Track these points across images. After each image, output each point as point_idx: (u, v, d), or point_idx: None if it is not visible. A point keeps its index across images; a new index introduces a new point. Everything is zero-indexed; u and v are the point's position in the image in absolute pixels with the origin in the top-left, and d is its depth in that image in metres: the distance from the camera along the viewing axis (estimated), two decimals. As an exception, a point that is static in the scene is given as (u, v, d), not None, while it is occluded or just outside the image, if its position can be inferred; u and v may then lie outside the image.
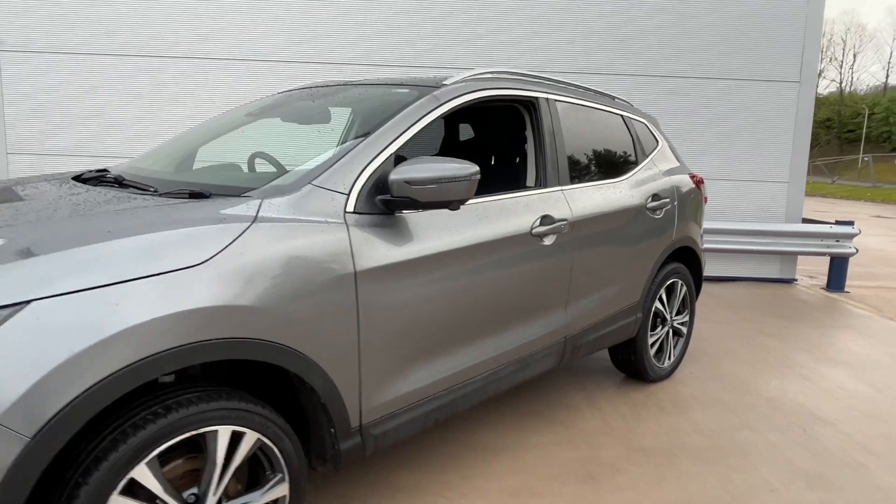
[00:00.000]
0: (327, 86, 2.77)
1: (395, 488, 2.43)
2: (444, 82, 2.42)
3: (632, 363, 3.49)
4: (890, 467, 2.74)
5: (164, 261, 1.50)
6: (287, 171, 2.28)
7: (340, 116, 2.53)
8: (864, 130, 44.19)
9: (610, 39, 6.52)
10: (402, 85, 2.49)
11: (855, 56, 59.09)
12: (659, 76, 6.55)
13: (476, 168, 2.00)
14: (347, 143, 2.09)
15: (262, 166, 2.74)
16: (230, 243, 1.62)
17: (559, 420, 3.11)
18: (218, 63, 6.48)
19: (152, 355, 1.45)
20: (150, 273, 1.47)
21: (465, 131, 3.61)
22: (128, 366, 1.41)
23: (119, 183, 2.21)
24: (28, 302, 1.32)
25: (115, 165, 2.82)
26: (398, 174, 1.94)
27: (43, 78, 6.45)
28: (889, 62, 56.50)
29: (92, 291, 1.39)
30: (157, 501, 1.52)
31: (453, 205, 2.01)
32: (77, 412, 1.35)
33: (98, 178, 2.35)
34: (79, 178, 2.39)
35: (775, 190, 6.75)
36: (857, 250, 6.56)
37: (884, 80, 53.95)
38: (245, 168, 2.65)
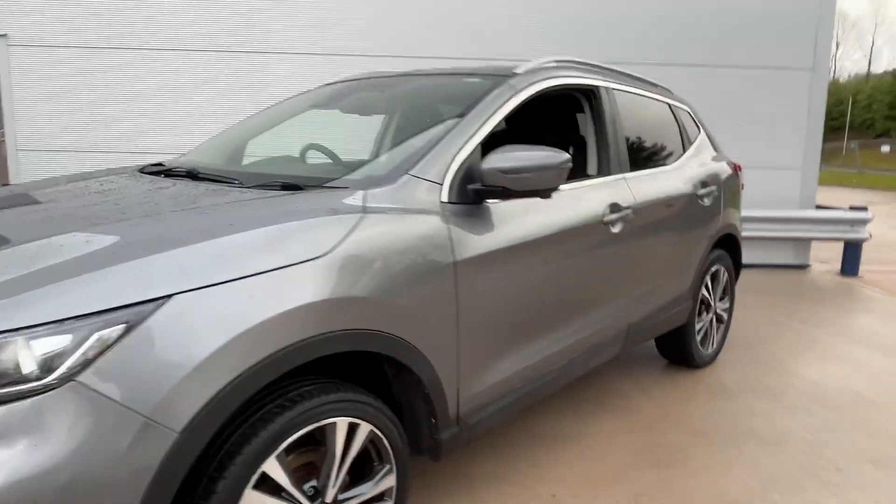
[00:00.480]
0: (388, 76, 2.75)
1: (472, 477, 2.44)
2: (514, 71, 2.41)
3: (679, 349, 3.52)
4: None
5: (290, 253, 1.49)
6: (342, 163, 2.27)
7: (410, 107, 2.50)
8: (848, 118, 44.74)
9: (624, 29, 6.53)
10: (472, 74, 2.48)
11: (838, 45, 59.70)
12: (674, 65, 6.57)
13: (568, 156, 2.00)
14: (435, 134, 2.07)
15: (317, 158, 2.72)
16: (347, 235, 1.61)
17: (615, 407, 3.13)
18: (237, 55, 6.41)
19: (286, 347, 1.44)
20: (279, 265, 1.46)
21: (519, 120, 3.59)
22: (266, 358, 1.40)
23: (194, 176, 2.18)
24: (171, 296, 1.30)
25: (168, 160, 2.78)
26: (490, 163, 1.93)
27: (54, 73, 6.34)
28: (871, 50, 57.12)
29: (229, 284, 1.38)
30: (284, 495, 1.51)
31: (545, 193, 2.01)
32: (220, 406, 1.34)
33: (166, 172, 2.32)
34: (144, 172, 2.36)
35: (789, 177, 6.81)
36: (871, 235, 6.65)
37: (866, 67, 54.63)
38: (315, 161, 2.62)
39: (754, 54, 6.63)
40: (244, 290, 1.39)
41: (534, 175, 1.92)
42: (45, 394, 1.19)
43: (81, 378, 1.21)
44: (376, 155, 2.50)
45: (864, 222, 6.49)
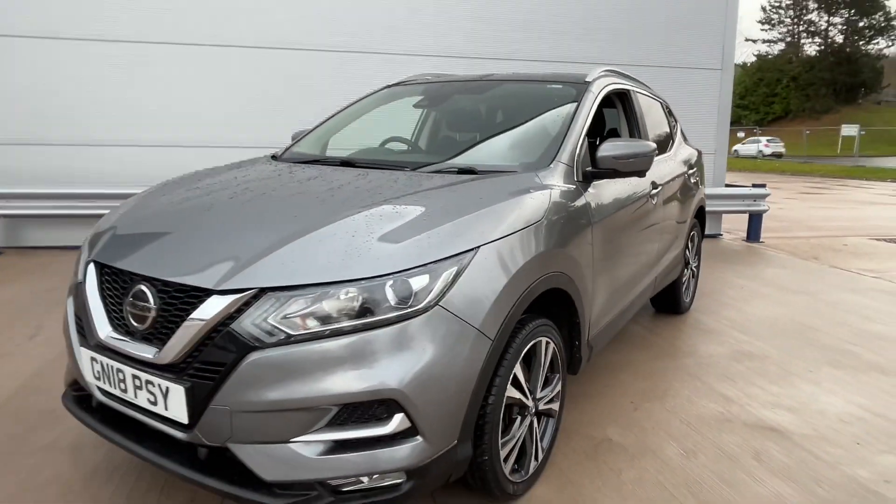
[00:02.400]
0: (469, 80, 3.33)
1: (574, 394, 3.12)
2: (586, 79, 3.09)
3: (671, 299, 4.40)
4: (866, 347, 3.89)
5: (526, 218, 2.09)
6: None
7: (512, 107, 3.10)
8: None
9: (556, 27, 7.33)
10: (552, 81, 3.13)
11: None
12: (602, 63, 7.54)
13: (654, 145, 2.72)
14: (553, 128, 2.71)
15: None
16: (548, 205, 2.23)
17: (639, 343, 3.94)
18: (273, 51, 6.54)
19: (532, 282, 2.05)
20: (521, 227, 2.06)
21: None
22: (525, 289, 2.00)
23: (350, 164, 2.68)
24: (479, 247, 1.88)
25: (275, 152, 3.20)
26: (604, 151, 2.60)
27: (28, 65, 6.16)
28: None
29: (503, 240, 1.96)
30: (521, 389, 2.12)
31: (642, 173, 2.72)
32: (508, 322, 1.93)
33: (316, 161, 2.78)
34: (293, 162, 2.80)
35: (704, 160, 8.04)
36: (769, 208, 8.08)
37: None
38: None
39: (672, 56, 7.77)
40: (511, 244, 1.98)
41: (637, 160, 2.62)
42: (422, 315, 1.73)
43: (442, 304, 1.76)
44: (480, 146, 3.08)
45: (764, 197, 7.88)
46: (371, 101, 3.52)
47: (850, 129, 37.22)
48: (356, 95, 3.68)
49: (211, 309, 1.70)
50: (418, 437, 1.72)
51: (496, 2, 7.16)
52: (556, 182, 2.41)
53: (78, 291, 2.10)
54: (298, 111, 6.67)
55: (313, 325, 1.68)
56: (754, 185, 7.98)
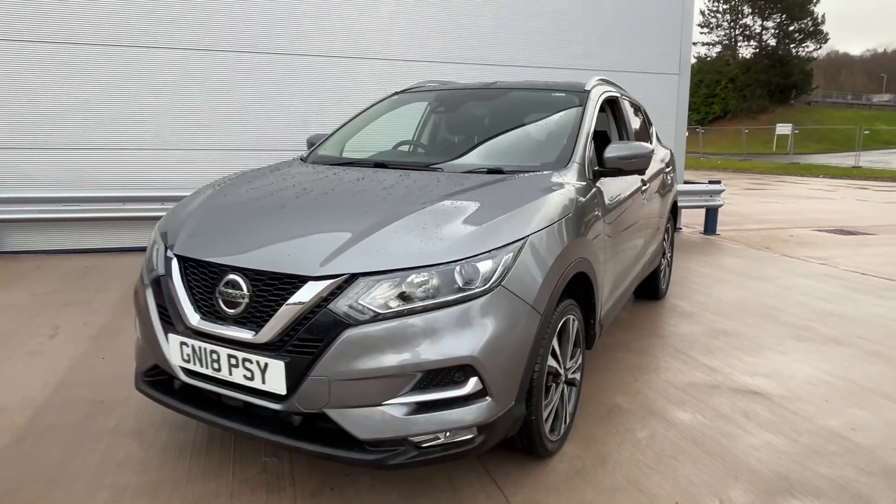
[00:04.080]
0: (477, 88, 3.64)
1: (589, 370, 3.46)
2: (586, 87, 3.44)
3: (651, 286, 4.82)
4: (823, 323, 4.40)
5: (560, 212, 2.42)
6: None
7: (521, 114, 3.43)
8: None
9: (510, 36, 7.74)
10: (555, 90, 3.48)
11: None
12: (560, 69, 7.99)
13: (652, 147, 3.10)
14: (564, 132, 3.05)
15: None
16: (574, 200, 2.56)
17: (626, 325, 4.33)
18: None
19: (566, 266, 2.38)
20: (556, 220, 2.38)
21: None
22: (563, 271, 2.33)
23: (382, 165, 2.96)
24: (528, 236, 2.19)
25: (304, 154, 3.44)
26: (611, 152, 2.95)
27: (23, 68, 6.12)
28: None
29: (545, 230, 2.28)
30: (557, 359, 2.45)
31: (642, 171, 3.09)
32: (551, 299, 2.25)
33: (348, 163, 3.04)
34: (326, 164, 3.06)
35: (664, 158, 8.62)
36: (724, 203, 8.70)
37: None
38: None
39: (635, 62, 8.28)
40: (552, 234, 2.31)
41: (638, 160, 2.99)
42: (488, 294, 2.03)
43: (504, 284, 2.06)
44: (502, 149, 3.38)
45: (719, 192, 8.49)
46: (381, 107, 3.79)
47: (784, 128, 39.42)
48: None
49: (308, 293, 1.95)
50: (488, 397, 2.02)
51: (467, 12, 7.48)
52: (573, 180, 2.75)
53: (160, 284, 2.30)
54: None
55: (397, 305, 1.95)
56: (710, 182, 8.59)
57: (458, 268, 2.01)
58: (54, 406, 2.94)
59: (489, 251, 2.06)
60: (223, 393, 2.15)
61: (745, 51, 56.66)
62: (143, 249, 6.45)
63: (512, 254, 2.11)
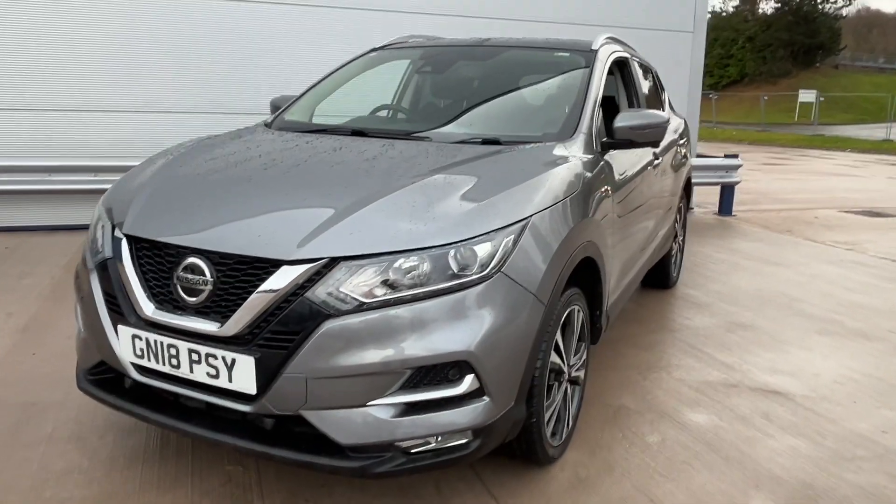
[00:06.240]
0: (467, 45, 3.65)
1: (591, 368, 3.54)
2: (593, 46, 3.47)
3: (661, 273, 4.91)
4: (849, 315, 4.54)
5: (566, 189, 2.46)
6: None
7: (520, 75, 3.45)
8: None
9: None
10: (556, 48, 3.50)
11: None
12: (577, 24, 8.02)
13: (668, 116, 3.16)
14: (569, 98, 3.09)
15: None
16: (582, 175, 2.61)
17: (632, 317, 4.43)
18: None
19: (574, 250, 2.43)
20: (563, 198, 2.42)
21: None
22: (570, 255, 2.38)
23: (362, 134, 2.97)
24: (531, 216, 2.23)
25: (268, 119, 3.43)
26: (621, 122, 3.00)
27: None
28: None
29: (551, 209, 2.33)
30: (560, 352, 2.50)
31: (656, 144, 3.15)
32: (556, 288, 2.30)
33: (325, 131, 3.05)
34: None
35: (675, 128, 8.73)
36: (741, 180, 8.85)
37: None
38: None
39: (644, 18, 8.33)
40: (557, 213, 2.35)
41: (652, 130, 3.04)
42: (486, 281, 2.07)
43: (504, 270, 2.10)
44: (498, 116, 3.39)
45: (736, 168, 8.63)
46: (357, 65, 3.78)
47: (807, 96, 39.90)
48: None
49: (282, 279, 1.97)
50: (485, 397, 2.07)
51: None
52: (580, 153, 2.79)
53: (107, 268, 2.29)
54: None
55: (384, 293, 1.98)
56: (727, 156, 8.72)
57: (452, 252, 2.04)
58: (-21, 409, 2.93)
59: (487, 233, 2.09)
60: (182, 393, 2.16)
61: (766, 5, 57.17)
62: (72, 228, 6.39)
63: (513, 236, 2.15)
